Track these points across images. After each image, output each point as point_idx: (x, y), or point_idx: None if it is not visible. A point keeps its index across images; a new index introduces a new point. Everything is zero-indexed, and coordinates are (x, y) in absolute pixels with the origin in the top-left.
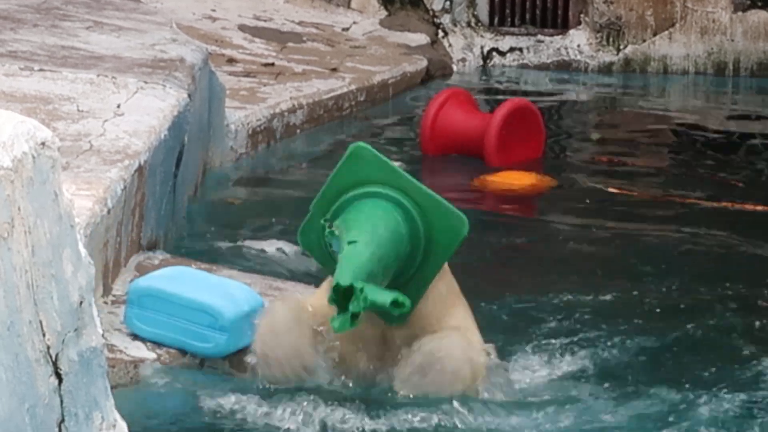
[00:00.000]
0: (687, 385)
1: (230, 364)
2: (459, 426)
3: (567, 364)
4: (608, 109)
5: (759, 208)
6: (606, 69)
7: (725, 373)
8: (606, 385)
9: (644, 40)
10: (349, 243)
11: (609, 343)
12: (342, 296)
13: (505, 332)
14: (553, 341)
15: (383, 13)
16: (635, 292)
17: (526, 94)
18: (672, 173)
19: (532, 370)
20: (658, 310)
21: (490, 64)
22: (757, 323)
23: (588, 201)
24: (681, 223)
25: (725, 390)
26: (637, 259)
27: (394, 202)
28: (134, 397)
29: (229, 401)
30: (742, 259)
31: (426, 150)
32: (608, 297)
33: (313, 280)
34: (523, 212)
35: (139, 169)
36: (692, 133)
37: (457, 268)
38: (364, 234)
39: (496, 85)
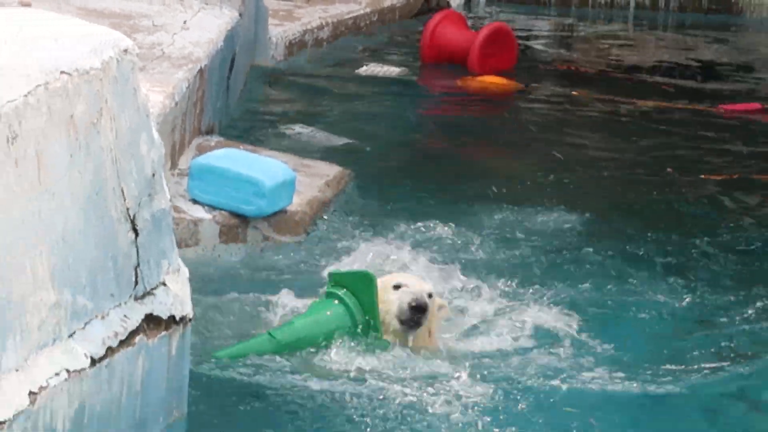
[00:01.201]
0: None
1: (269, 223)
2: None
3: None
4: (568, 36)
5: (691, 106)
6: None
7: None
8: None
9: None
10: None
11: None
12: None
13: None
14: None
15: None
16: (592, 174)
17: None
18: (625, 82)
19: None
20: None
21: None
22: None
23: (552, 99)
24: (628, 119)
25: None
26: (591, 144)
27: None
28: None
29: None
30: (680, 152)
31: (424, 59)
32: (569, 181)
33: (335, 158)
34: (497, 106)
35: (200, 72)
36: (641, 59)
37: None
38: (284, 333)
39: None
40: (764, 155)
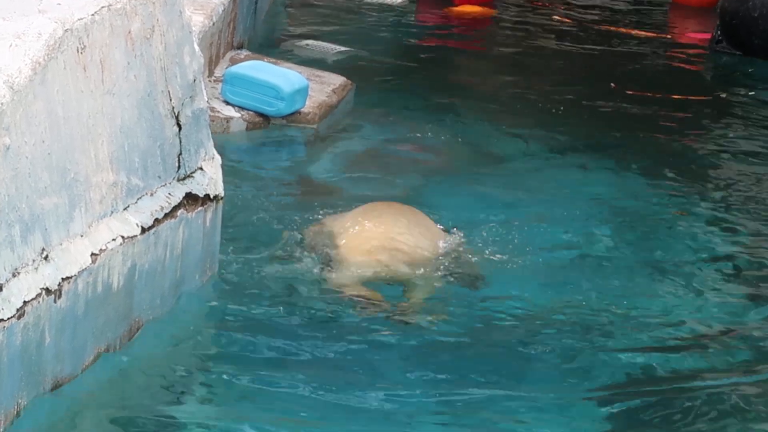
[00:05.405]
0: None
1: (287, 121)
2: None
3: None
4: None
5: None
6: None
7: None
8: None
9: None
10: None
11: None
12: None
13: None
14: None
15: None
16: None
17: None
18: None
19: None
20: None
21: None
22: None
23: (525, 25)
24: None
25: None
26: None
27: None
28: (225, 144)
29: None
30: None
31: None
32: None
33: (341, 70)
34: (474, 27)
35: None
36: None
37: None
38: None
39: None
40: (686, 77)
